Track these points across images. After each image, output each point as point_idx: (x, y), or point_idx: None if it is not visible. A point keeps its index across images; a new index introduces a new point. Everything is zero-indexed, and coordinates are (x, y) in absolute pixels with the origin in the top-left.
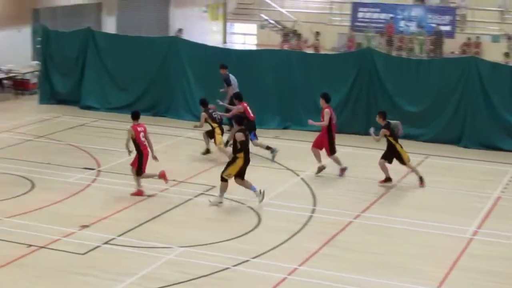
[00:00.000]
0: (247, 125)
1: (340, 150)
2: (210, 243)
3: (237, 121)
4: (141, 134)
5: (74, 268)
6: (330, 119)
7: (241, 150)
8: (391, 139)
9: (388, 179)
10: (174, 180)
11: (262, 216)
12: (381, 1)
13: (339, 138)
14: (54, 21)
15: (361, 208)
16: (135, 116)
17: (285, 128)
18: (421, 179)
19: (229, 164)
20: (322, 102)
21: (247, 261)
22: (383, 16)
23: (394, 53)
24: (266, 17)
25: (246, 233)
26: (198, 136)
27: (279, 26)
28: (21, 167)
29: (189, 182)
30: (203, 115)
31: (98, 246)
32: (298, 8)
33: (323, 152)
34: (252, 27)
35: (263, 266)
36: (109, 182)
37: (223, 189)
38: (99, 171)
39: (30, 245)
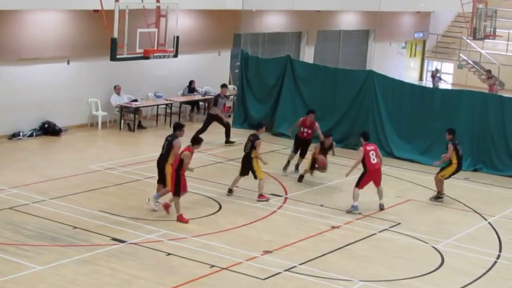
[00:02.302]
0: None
1: None
2: (391, 280)
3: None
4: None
5: None
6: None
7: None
8: None
9: None
10: (359, 214)
11: (445, 257)
12: None
13: None
14: (254, 47)
15: None
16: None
17: (475, 170)
18: None
19: None
20: None
21: None
22: None
23: None
24: (465, 57)
25: (428, 273)
26: (391, 172)
27: (477, 67)
28: (211, 188)
29: (374, 216)
30: None
31: (279, 273)
32: (498, 50)
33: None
34: (449, 66)
35: None
36: (294, 210)
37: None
38: (286, 198)
39: (213, 266)
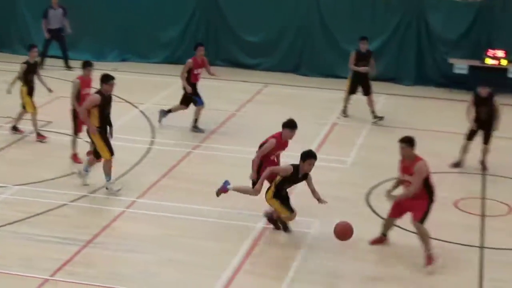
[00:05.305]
0: None
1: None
2: (46, 180)
3: None
4: None
5: None
6: None
7: None
8: None
9: None
10: (8, 117)
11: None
12: None
13: None
14: None
15: (200, 139)
16: None
17: (123, 60)
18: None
19: None
20: None
21: (85, 196)
22: None
23: None
24: None
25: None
26: None
27: None
28: None
29: (28, 119)
30: None
31: None
32: None
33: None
34: None
35: (101, 201)
36: None
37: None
38: None
39: None
